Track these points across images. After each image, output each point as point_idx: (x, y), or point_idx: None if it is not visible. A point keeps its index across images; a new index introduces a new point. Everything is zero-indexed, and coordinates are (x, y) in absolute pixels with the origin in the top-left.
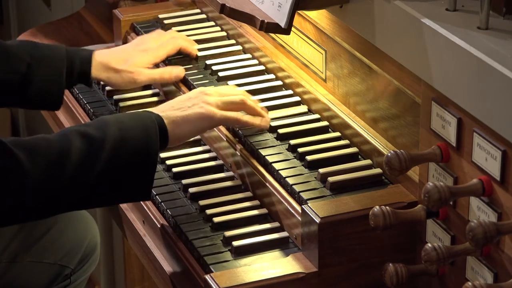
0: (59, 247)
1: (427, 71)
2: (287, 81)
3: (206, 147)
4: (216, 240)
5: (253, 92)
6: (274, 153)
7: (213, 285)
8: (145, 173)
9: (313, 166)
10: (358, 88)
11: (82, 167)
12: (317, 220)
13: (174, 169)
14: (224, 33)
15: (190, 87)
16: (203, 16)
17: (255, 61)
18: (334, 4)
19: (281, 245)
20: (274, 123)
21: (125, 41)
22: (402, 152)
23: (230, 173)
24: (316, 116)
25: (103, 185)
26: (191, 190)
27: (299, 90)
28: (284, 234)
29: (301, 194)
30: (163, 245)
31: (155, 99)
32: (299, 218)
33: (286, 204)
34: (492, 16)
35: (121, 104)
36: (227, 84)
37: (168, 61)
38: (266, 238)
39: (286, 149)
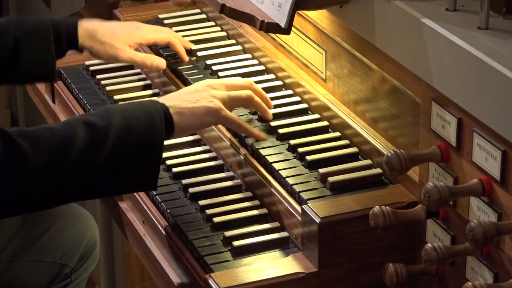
0: (58, 246)
1: (427, 71)
2: (287, 81)
3: (206, 147)
4: (216, 240)
5: None
6: (274, 153)
7: (213, 285)
8: (150, 162)
9: (313, 166)
10: (358, 88)
11: (86, 155)
12: (317, 220)
13: (174, 169)
14: (224, 33)
15: (187, 85)
16: (203, 16)
17: (255, 61)
18: (334, 4)
19: (281, 245)
20: (274, 123)
21: None
22: (402, 152)
23: (230, 173)
24: (316, 116)
25: (108, 174)
26: (191, 190)
27: (299, 90)
28: (284, 234)
29: (301, 194)
30: (163, 245)
31: (155, 99)
32: (299, 218)
33: (286, 204)
34: (492, 16)
35: (121, 104)
36: None
37: (167, 56)
38: (266, 238)
39: (286, 149)
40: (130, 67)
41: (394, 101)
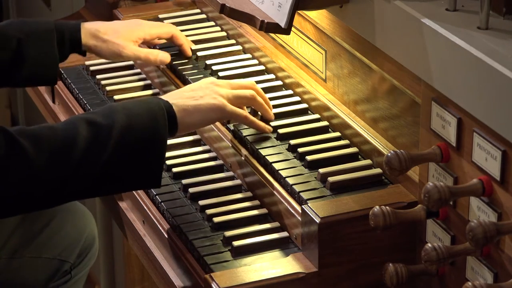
0: (57, 242)
1: (427, 71)
2: (287, 81)
3: (206, 147)
4: (216, 240)
5: None
6: (274, 153)
7: (213, 285)
8: (153, 159)
9: (313, 166)
10: (358, 88)
11: (89, 155)
12: (317, 220)
13: (174, 169)
14: (224, 33)
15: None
16: (203, 16)
17: (255, 61)
18: (334, 4)
19: (281, 245)
20: (274, 123)
21: None
22: (402, 152)
23: (230, 173)
24: (316, 116)
25: (110, 173)
26: (191, 190)
27: (299, 90)
28: (284, 234)
29: (301, 194)
30: (163, 245)
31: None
32: (299, 218)
33: (286, 204)
34: (492, 16)
35: None
36: None
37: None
38: (266, 238)
39: (286, 149)
40: (130, 67)
41: (394, 101)
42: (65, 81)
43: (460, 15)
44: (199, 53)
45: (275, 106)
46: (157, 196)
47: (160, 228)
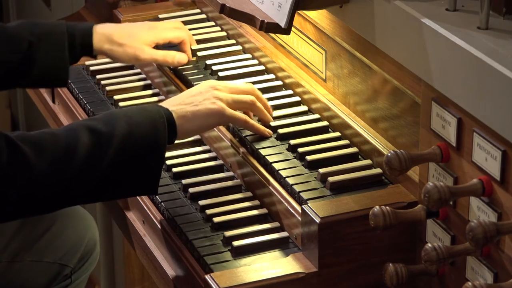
0: (58, 246)
1: (427, 71)
2: (287, 81)
3: (206, 147)
4: (216, 240)
5: None
6: (274, 153)
7: (213, 285)
8: (151, 167)
9: (313, 166)
10: (358, 88)
11: (89, 162)
12: (317, 220)
13: (174, 169)
14: (224, 33)
15: (190, 87)
16: (203, 16)
17: (255, 61)
18: (334, 4)
19: (281, 245)
20: (274, 123)
21: None
22: (402, 152)
23: (230, 173)
24: (316, 116)
25: (110, 180)
26: (191, 190)
27: (299, 90)
28: (284, 234)
29: (301, 194)
30: (163, 245)
31: (155, 99)
32: (299, 218)
33: (286, 204)
34: (492, 16)
35: (121, 104)
36: None
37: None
38: (266, 238)
39: (286, 149)
40: (130, 67)
41: (394, 101)
42: None
43: (460, 15)
44: (199, 53)
45: (275, 107)
46: (157, 196)
47: (160, 228)
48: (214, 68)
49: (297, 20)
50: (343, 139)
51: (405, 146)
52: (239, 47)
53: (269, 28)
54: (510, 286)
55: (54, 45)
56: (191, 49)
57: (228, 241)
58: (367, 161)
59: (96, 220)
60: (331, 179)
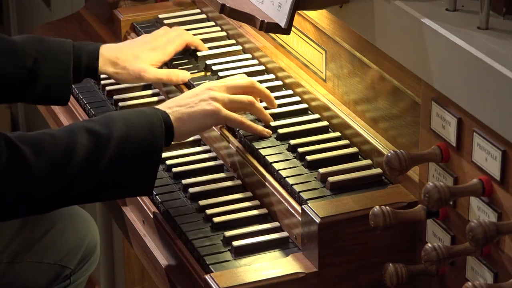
0: (59, 248)
1: (427, 71)
2: (287, 81)
3: (206, 147)
4: (216, 240)
5: None
6: (274, 153)
7: (213, 285)
8: (148, 170)
9: (313, 166)
10: (358, 88)
11: (87, 164)
12: (317, 220)
13: (174, 169)
14: (224, 33)
15: (190, 87)
16: (203, 16)
17: (255, 61)
18: (334, 4)
19: (281, 245)
20: (274, 123)
21: None
22: (402, 152)
23: (230, 173)
24: (316, 116)
25: (107, 181)
26: (191, 190)
27: (299, 90)
28: (284, 234)
29: (301, 194)
30: (163, 245)
31: (155, 99)
32: (299, 218)
33: (286, 204)
34: (492, 16)
35: (121, 104)
36: None
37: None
38: (266, 238)
39: (286, 149)
40: None
41: (394, 101)
42: None
43: (460, 15)
44: (199, 53)
45: None
46: (157, 196)
47: (160, 228)
48: (214, 68)
49: (297, 20)
50: (343, 139)
51: (405, 146)
52: (239, 47)
53: (269, 28)
54: (510, 286)
55: (58, 64)
56: (191, 48)
57: (228, 241)
58: (367, 161)
59: (96, 220)
60: (331, 179)
